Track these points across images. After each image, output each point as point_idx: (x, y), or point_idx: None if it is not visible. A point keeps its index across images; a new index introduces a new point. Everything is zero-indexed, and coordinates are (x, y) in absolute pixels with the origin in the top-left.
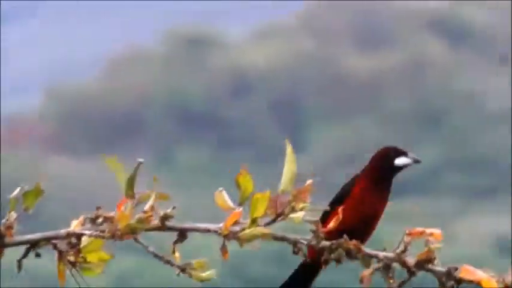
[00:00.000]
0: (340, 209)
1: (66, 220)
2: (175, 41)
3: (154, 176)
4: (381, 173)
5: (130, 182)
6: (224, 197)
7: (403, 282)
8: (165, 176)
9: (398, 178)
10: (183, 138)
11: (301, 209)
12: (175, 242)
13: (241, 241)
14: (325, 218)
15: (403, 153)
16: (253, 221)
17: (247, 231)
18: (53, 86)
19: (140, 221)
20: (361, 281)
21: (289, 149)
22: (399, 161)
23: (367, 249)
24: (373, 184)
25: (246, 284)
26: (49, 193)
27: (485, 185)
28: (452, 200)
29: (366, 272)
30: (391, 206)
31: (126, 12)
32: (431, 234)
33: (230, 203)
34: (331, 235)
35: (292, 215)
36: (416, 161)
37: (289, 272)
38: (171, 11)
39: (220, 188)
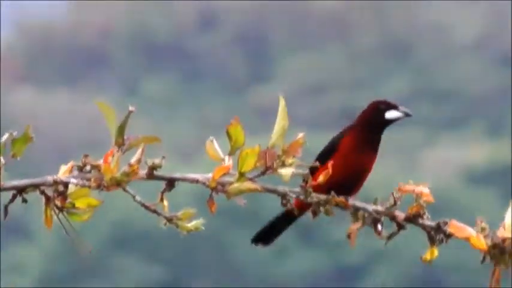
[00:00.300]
0: (330, 164)
1: (36, 148)
2: None
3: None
4: (371, 126)
5: (121, 130)
6: (215, 147)
7: (392, 235)
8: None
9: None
10: (149, 70)
11: (291, 164)
12: (163, 191)
13: (229, 195)
14: (314, 171)
15: (393, 107)
16: (242, 175)
17: (235, 185)
18: (19, 21)
19: (125, 174)
20: (349, 236)
21: (281, 104)
22: (390, 114)
23: (356, 202)
24: (363, 138)
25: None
26: (18, 123)
27: (452, 116)
28: (420, 131)
29: (354, 227)
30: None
31: None
32: (421, 193)
33: (220, 154)
34: (320, 189)
35: (281, 170)
36: (407, 115)
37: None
38: None
39: (211, 138)
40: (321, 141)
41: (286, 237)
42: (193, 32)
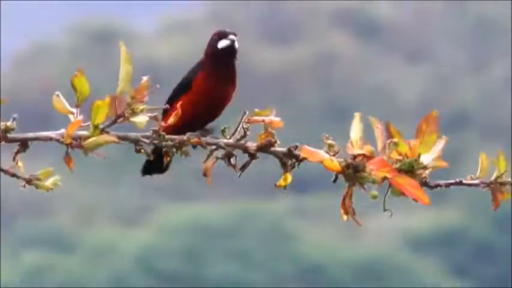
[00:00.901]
0: (179, 105)
1: None
2: (82, 34)
3: None
4: (212, 58)
5: None
6: (61, 101)
7: (245, 166)
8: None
9: (306, 173)
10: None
11: (141, 111)
12: (17, 152)
13: (86, 150)
14: (166, 113)
15: (224, 35)
16: (96, 127)
17: (91, 139)
18: None
19: None
20: (205, 173)
21: (123, 49)
22: (221, 43)
23: (208, 139)
24: (212, 72)
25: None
26: None
27: None
28: (364, 197)
29: (209, 163)
30: (297, 203)
31: (30, 7)
32: (270, 122)
33: (68, 106)
34: (175, 130)
35: (133, 119)
36: (232, 41)
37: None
38: (76, 5)
39: (57, 92)
40: (265, 206)
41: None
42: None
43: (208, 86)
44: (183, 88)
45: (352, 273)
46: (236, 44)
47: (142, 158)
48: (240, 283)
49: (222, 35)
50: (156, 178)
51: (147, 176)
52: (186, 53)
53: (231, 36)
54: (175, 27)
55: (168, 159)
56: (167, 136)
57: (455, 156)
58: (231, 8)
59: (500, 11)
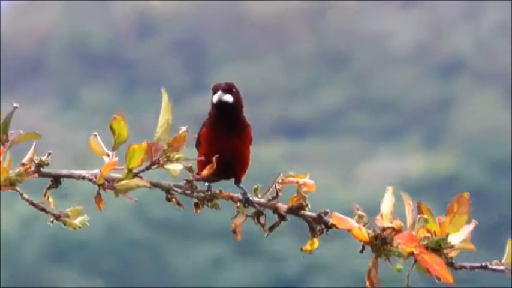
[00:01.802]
0: (214, 158)
1: None
2: None
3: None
4: (213, 113)
5: (4, 127)
6: (98, 142)
7: (274, 226)
8: (69, 117)
9: (299, 119)
10: (87, 80)
11: (177, 160)
12: (49, 188)
13: (117, 191)
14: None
15: (215, 89)
16: (130, 171)
17: (123, 182)
18: None
19: (19, 174)
20: (234, 231)
21: (165, 98)
22: (214, 98)
23: (239, 195)
24: (214, 126)
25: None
26: None
27: (390, 126)
28: (357, 142)
29: (238, 221)
30: (292, 147)
31: None
32: (304, 184)
33: (104, 148)
34: (206, 180)
35: (168, 166)
36: (218, 97)
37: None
38: None
39: (95, 133)
40: (259, 151)
41: (224, 249)
42: (131, 40)
43: (210, 140)
44: (196, 143)
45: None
46: (225, 99)
47: None
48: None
49: (214, 89)
50: None
51: None
52: (181, 1)
53: (219, 92)
54: None
55: (198, 210)
56: (199, 188)
57: (449, 102)
58: None
59: None
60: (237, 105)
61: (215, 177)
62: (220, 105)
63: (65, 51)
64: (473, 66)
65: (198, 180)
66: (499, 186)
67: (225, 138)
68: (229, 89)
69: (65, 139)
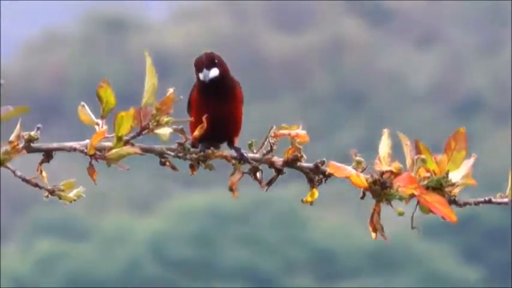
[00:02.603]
0: (204, 117)
1: None
2: (93, 23)
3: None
4: (199, 83)
5: None
6: (87, 112)
7: (271, 181)
8: (85, 159)
9: (318, 158)
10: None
11: (166, 123)
12: (41, 162)
13: (109, 161)
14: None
15: (199, 68)
16: (119, 139)
17: (114, 151)
18: None
19: (7, 153)
20: (231, 188)
21: (148, 61)
22: (200, 76)
23: (233, 152)
24: (204, 90)
25: (166, 267)
26: None
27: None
28: None
29: (234, 178)
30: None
31: None
32: (297, 136)
33: (93, 117)
34: (194, 142)
35: (158, 131)
36: (203, 80)
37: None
38: None
39: (82, 103)
40: (276, 192)
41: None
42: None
43: (200, 105)
44: (188, 107)
45: (364, 259)
46: (211, 75)
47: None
48: (252, 269)
49: (198, 67)
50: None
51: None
52: (198, 40)
53: (204, 71)
54: (187, 14)
55: (194, 172)
56: (192, 149)
57: (469, 141)
58: None
59: None
60: (223, 74)
61: (208, 140)
62: (209, 82)
63: (80, 91)
64: (491, 104)
65: (193, 145)
66: None
67: (216, 102)
68: (212, 62)
69: (82, 181)
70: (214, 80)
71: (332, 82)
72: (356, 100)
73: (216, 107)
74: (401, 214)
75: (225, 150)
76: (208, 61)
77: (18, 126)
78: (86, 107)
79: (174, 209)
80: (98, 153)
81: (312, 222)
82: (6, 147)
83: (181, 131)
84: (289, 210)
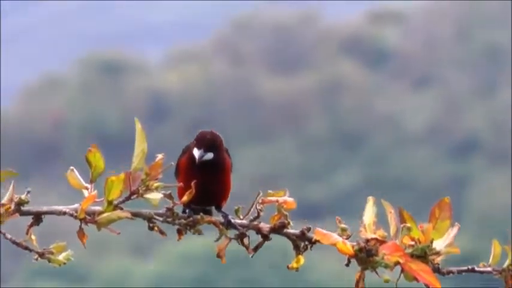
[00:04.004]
0: (193, 183)
1: None
2: (91, 66)
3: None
4: (191, 153)
5: None
6: (76, 176)
7: (258, 247)
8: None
9: (315, 200)
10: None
11: (156, 188)
12: (31, 226)
13: (99, 225)
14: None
15: (198, 146)
16: (110, 203)
17: (104, 215)
18: None
19: (0, 215)
20: (218, 255)
21: (138, 126)
22: (195, 152)
23: (220, 218)
24: (192, 162)
25: None
26: None
27: (405, 206)
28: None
29: (222, 245)
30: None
31: (40, 40)
32: (284, 202)
33: (82, 182)
34: (186, 206)
35: (147, 196)
36: (200, 158)
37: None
38: (84, 37)
39: (71, 167)
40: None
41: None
42: (145, 123)
43: (187, 172)
44: (175, 172)
45: None
46: (205, 158)
47: None
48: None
49: (198, 144)
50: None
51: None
52: (194, 82)
53: (201, 151)
54: (183, 57)
55: (181, 237)
56: (180, 215)
57: (463, 182)
58: (238, 38)
59: (506, 38)
60: (216, 157)
61: (196, 205)
62: (201, 163)
63: (79, 135)
64: (488, 145)
65: (183, 210)
66: None
67: (204, 172)
68: (212, 148)
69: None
70: (204, 162)
71: (329, 123)
72: (353, 141)
73: (205, 176)
74: (387, 281)
75: (213, 214)
76: (208, 145)
77: (11, 188)
78: (75, 171)
79: (174, 252)
80: (87, 217)
81: (310, 265)
82: None
83: (170, 196)
84: (288, 254)
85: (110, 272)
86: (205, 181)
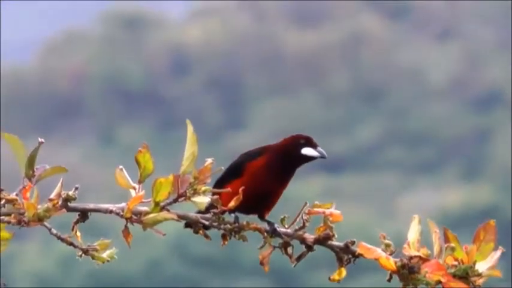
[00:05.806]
0: (241, 190)
1: None
2: (112, 21)
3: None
4: (285, 156)
5: (31, 162)
6: (124, 176)
7: (301, 257)
8: (107, 156)
9: (337, 154)
10: (124, 118)
11: (204, 192)
12: (76, 222)
13: (145, 225)
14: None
15: (313, 145)
16: (157, 204)
17: (150, 215)
18: None
19: (47, 210)
20: (262, 262)
21: (190, 130)
22: (306, 151)
23: (265, 225)
24: (274, 163)
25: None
26: None
27: (428, 160)
28: (395, 175)
29: (265, 252)
30: (330, 182)
31: None
32: (330, 215)
33: (130, 182)
34: (231, 211)
35: (195, 199)
36: (322, 156)
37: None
38: None
39: (120, 167)
40: (296, 187)
41: (263, 284)
42: (167, 78)
43: (258, 175)
44: (234, 170)
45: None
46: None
47: None
48: (275, 263)
49: (310, 143)
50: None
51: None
52: (216, 37)
53: (320, 149)
54: (205, 12)
55: (225, 242)
56: (226, 220)
57: (486, 134)
58: None
59: None
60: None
61: (242, 212)
62: (306, 159)
63: (100, 90)
64: (509, 98)
65: (226, 212)
66: None
67: (274, 179)
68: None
69: (102, 178)
70: (313, 159)
71: (351, 77)
72: (375, 95)
73: (273, 183)
74: None
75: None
76: (316, 143)
77: (59, 184)
78: (124, 170)
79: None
80: (134, 216)
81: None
82: (47, 205)
83: (217, 201)
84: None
85: (132, 228)
86: (270, 188)
